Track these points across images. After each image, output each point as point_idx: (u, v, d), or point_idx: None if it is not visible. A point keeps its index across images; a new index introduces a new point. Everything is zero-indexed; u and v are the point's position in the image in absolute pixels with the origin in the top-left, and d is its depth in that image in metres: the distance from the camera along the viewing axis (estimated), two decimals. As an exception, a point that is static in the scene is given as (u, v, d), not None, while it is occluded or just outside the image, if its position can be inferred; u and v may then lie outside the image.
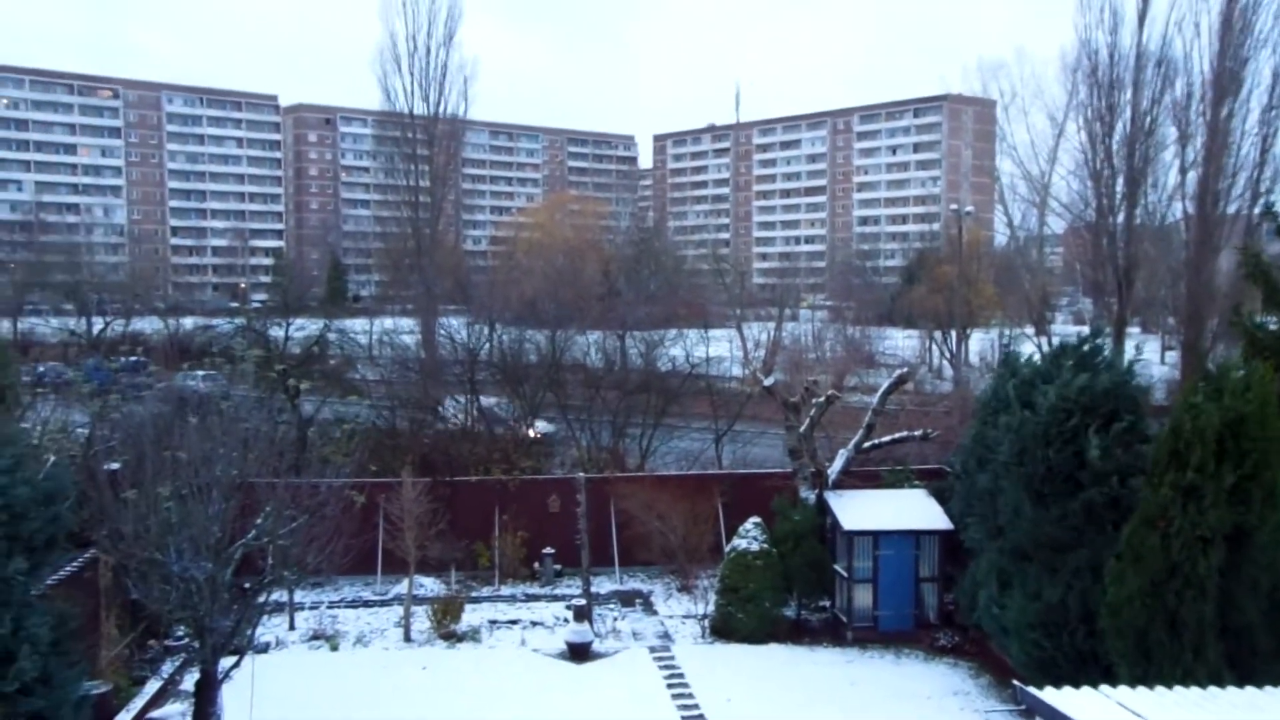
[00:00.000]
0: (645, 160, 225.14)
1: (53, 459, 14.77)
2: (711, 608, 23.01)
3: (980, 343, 62.27)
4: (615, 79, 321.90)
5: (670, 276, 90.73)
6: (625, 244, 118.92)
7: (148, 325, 57.83)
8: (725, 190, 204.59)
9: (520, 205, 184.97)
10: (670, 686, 19.54)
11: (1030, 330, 53.61)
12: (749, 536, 22.70)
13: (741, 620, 22.12)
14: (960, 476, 20.80)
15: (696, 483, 27.89)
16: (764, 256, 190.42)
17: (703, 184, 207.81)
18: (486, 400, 36.79)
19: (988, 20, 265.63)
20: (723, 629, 22.46)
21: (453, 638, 22.43)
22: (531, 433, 34.92)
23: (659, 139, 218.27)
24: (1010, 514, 17.96)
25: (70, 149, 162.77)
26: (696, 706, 18.55)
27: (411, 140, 74.82)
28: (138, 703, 17.94)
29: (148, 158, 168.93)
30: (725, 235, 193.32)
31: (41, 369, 44.23)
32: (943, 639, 21.48)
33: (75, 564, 16.92)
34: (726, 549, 23.40)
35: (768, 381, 26.45)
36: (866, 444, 24.89)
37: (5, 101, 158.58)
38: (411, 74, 73.28)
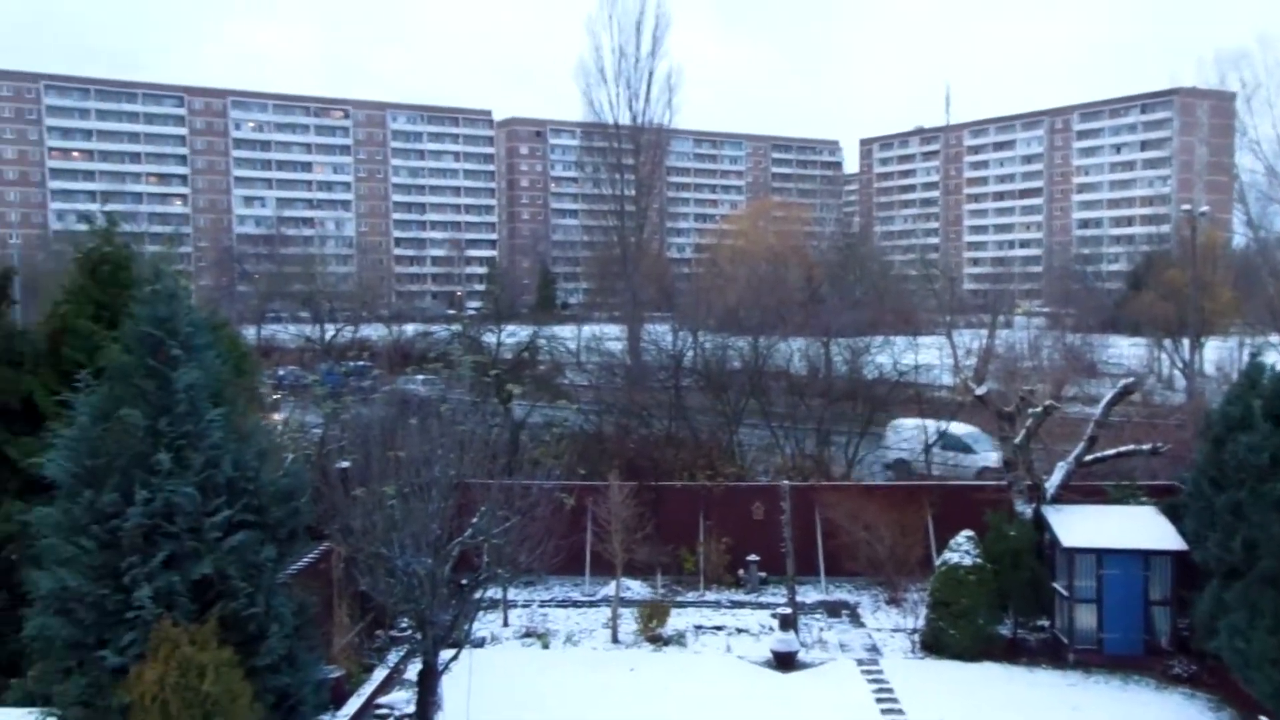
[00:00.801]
0: (850, 165, 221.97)
1: (291, 457, 15.74)
2: (921, 622, 22.38)
3: (1217, 351, 58.33)
4: (820, 83, 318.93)
5: (876, 282, 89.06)
6: (829, 250, 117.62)
7: (373, 331, 60.82)
8: (934, 194, 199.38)
9: (724, 212, 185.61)
10: (879, 701, 19.07)
11: (1274, 338, 49.91)
12: (961, 550, 21.96)
13: (953, 636, 21.41)
14: (1194, 494, 19.52)
15: (905, 493, 27.24)
16: (975, 261, 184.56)
17: (910, 188, 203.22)
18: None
19: (1225, 9, 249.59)
20: (933, 644, 21.80)
21: (659, 641, 22.63)
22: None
23: (865, 143, 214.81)
24: (1259, 538, 16.71)
25: (307, 166, 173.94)
26: (907, 723, 18.09)
27: (617, 150, 75.98)
28: (367, 688, 18.81)
29: (374, 173, 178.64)
30: (934, 240, 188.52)
31: (282, 372, 47.03)
32: (1177, 667, 20.10)
33: (311, 555, 17.90)
34: (937, 562, 22.71)
35: (980, 390, 25.53)
36: (1088, 457, 23.65)
37: (252, 124, 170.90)
38: (616, 85, 74.47)
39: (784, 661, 21.11)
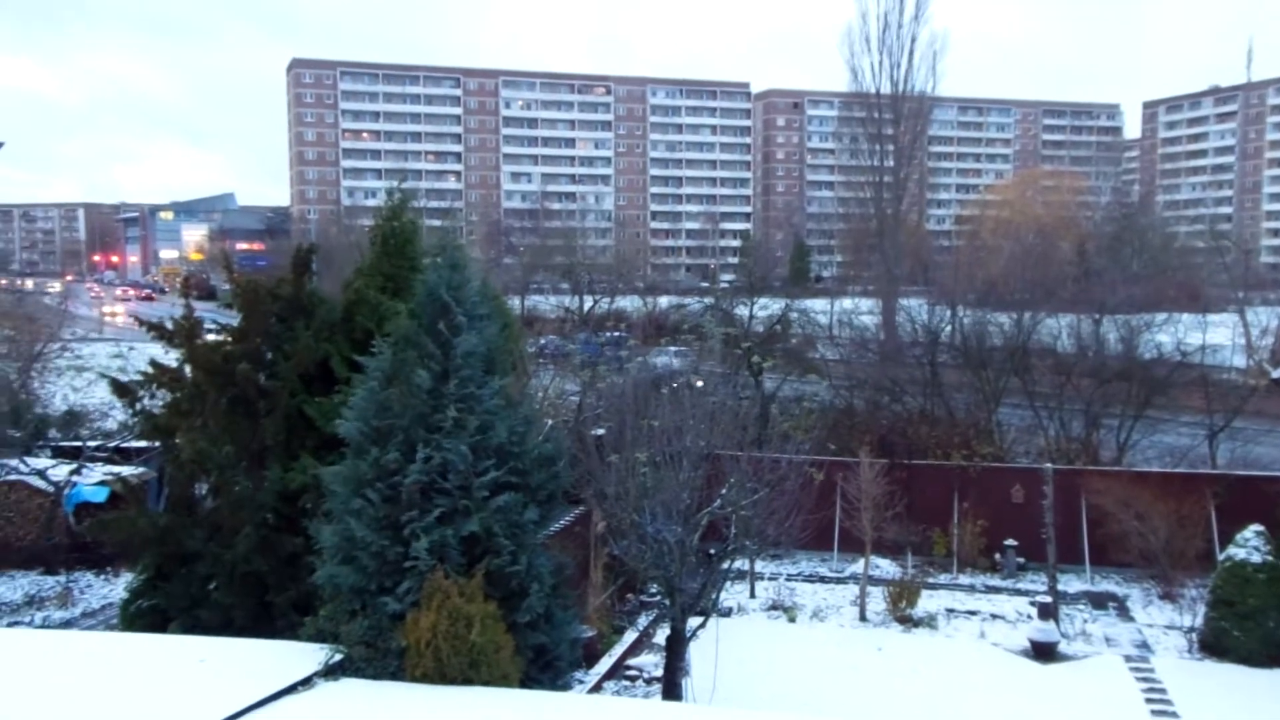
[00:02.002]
0: (1131, 130, 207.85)
1: (551, 423, 16.49)
2: (1200, 620, 21.00)
3: None
4: (1099, 44, 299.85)
5: (1157, 255, 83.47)
6: (1105, 221, 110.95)
7: (629, 303, 62.33)
8: (1228, 159, 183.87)
9: (988, 182, 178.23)
10: (1150, 702, 18.00)
11: None
12: (1249, 546, 20.38)
13: (1238, 639, 19.89)
14: None
15: (1184, 481, 25.59)
16: (1275, 233, 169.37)
17: (1200, 153, 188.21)
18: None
19: None
20: (1214, 646, 20.38)
21: (908, 622, 22.32)
22: None
23: (1149, 106, 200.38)
24: None
25: (570, 142, 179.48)
26: (1180, 727, 17.05)
27: (877, 120, 74.51)
28: (617, 649, 19.49)
29: (633, 147, 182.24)
30: (1226, 209, 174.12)
31: (543, 341, 48.99)
32: None
33: (569, 518, 18.71)
34: (1220, 557, 21.27)
35: (1277, 374, 23.62)
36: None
37: (520, 103, 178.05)
38: (880, 52, 73.00)
39: (1043, 652, 20.37)
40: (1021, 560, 25.88)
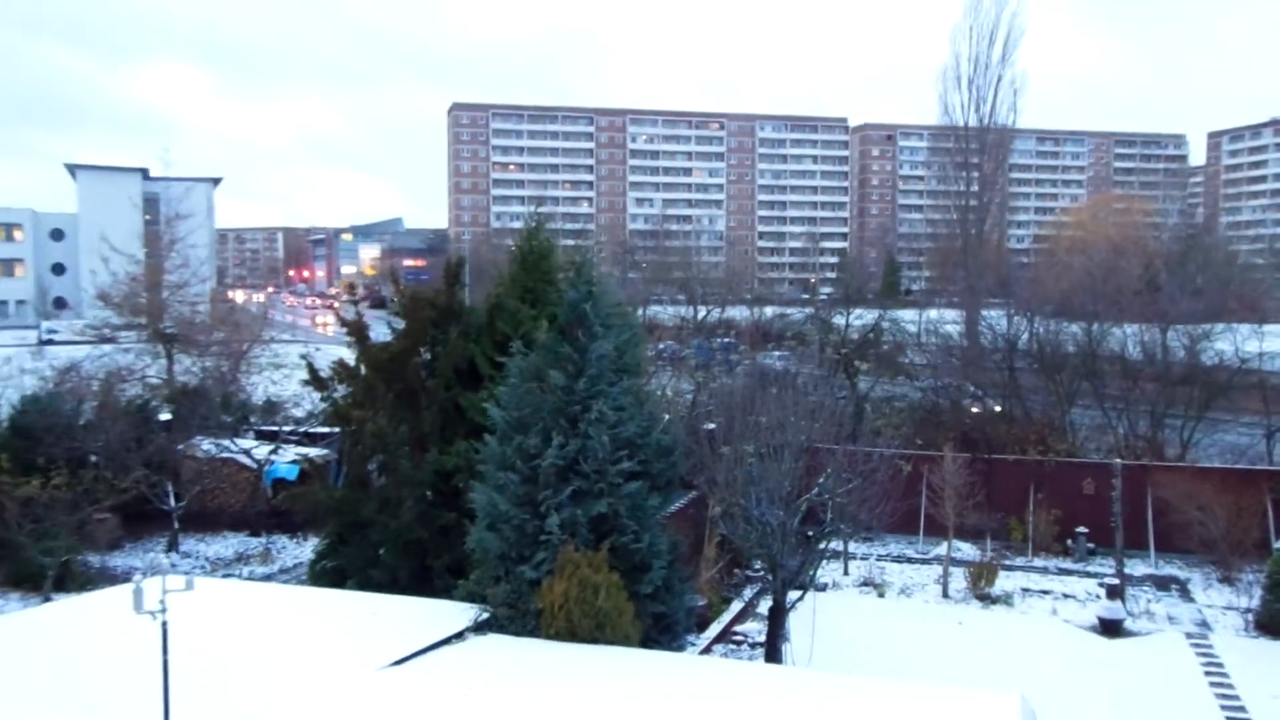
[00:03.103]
0: (1196, 157, 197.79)
1: (668, 418, 16.41)
2: (1256, 602, 19.88)
3: None
4: (1167, 77, 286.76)
5: (1219, 271, 79.03)
6: (1171, 240, 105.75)
7: (737, 313, 61.77)
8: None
9: (1064, 205, 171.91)
10: (1208, 674, 17.12)
11: None
12: (1303, 538, 19.25)
13: (1291, 620, 18.85)
14: None
15: (1242, 477, 24.31)
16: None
17: (1261, 179, 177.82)
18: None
19: None
20: (1269, 625, 19.30)
21: (987, 599, 21.60)
22: None
23: (1213, 135, 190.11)
24: None
25: (687, 171, 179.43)
26: (1238, 699, 16.07)
27: (963, 150, 72.86)
28: (725, 617, 19.30)
29: (742, 175, 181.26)
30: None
31: (661, 346, 49.04)
32: None
33: (684, 502, 18.62)
34: (1275, 545, 20.13)
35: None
36: None
37: (644, 138, 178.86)
38: (969, 90, 71.45)
39: (1110, 628, 19.51)
40: (1091, 546, 24.82)
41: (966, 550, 24.57)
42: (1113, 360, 36.75)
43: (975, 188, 72.14)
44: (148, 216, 79.32)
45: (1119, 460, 24.02)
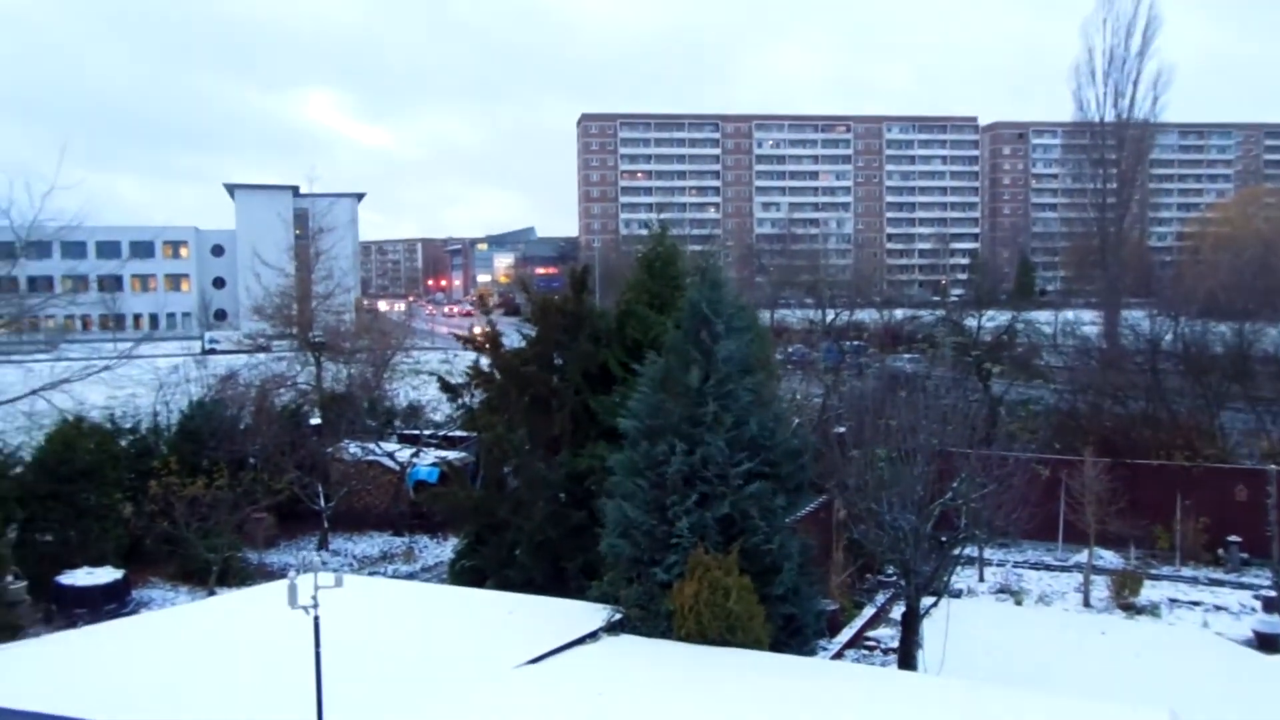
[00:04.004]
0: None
1: (798, 421, 16.20)
2: None
3: None
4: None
5: (1388, 265, 73.09)
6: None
7: (866, 315, 60.67)
8: None
9: (1209, 200, 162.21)
10: (1380, 698, 15.81)
11: None
12: None
13: None
14: None
15: None
16: None
17: None
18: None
19: None
20: None
21: (1131, 609, 20.50)
22: None
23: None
24: None
25: (813, 175, 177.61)
26: None
27: (1100, 146, 69.82)
28: (857, 622, 18.93)
29: (870, 178, 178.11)
30: None
31: (790, 350, 48.52)
32: None
33: (814, 505, 18.31)
34: None
35: None
36: None
37: (770, 143, 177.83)
38: (1105, 84, 68.45)
39: (1267, 643, 18.20)
40: (1245, 555, 23.26)
41: (1108, 558, 23.39)
42: (1267, 361, 34.44)
43: (1113, 185, 68.94)
44: (297, 231, 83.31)
45: (1275, 466, 22.46)
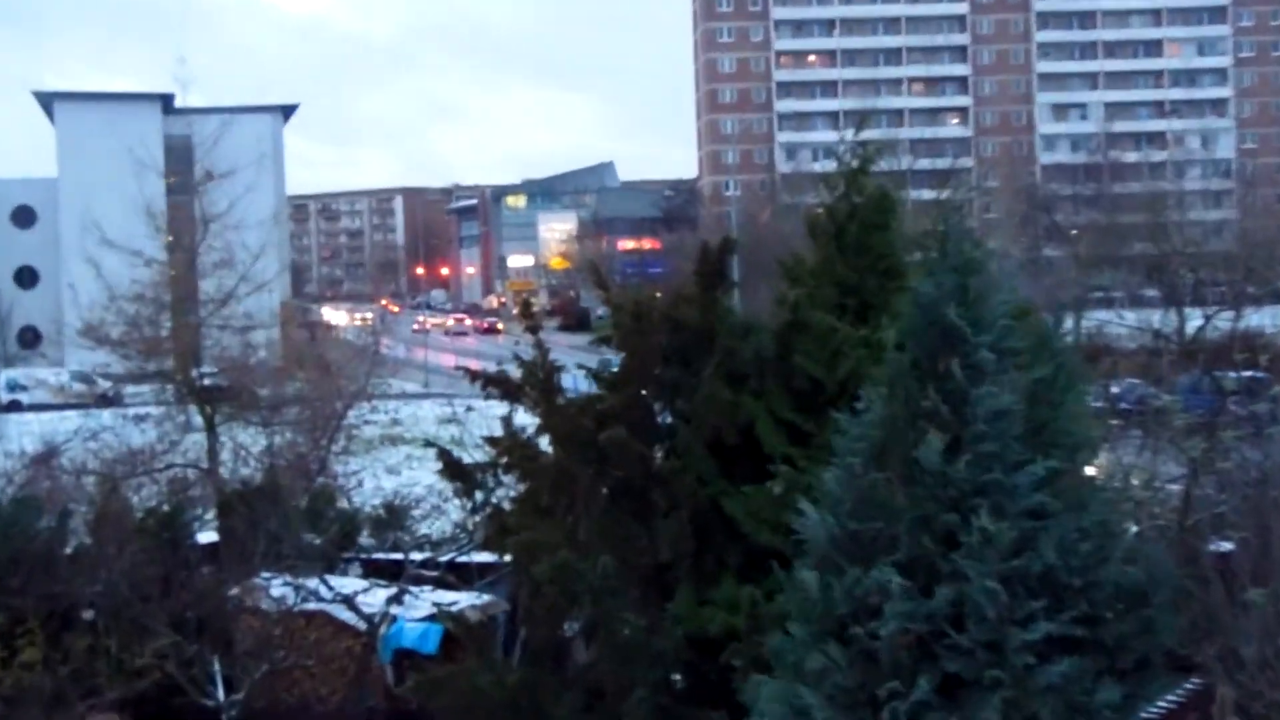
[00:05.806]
0: None
1: (1136, 530, 15.90)
2: None
3: None
4: None
5: None
6: None
7: (1269, 319, 59.46)
8: None
9: None
10: None
11: None
12: None
13: None
14: None
15: None
16: None
17: None
18: None
19: None
20: None
21: None
22: None
23: None
24: None
25: (1154, 46, 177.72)
26: None
27: None
28: None
29: (1267, 51, 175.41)
30: None
31: (1116, 389, 47.50)
32: None
33: (1170, 700, 17.91)
34: None
35: None
36: None
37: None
38: None
39: None
40: None
41: None
42: None
43: None
44: (170, 179, 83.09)
45: None
